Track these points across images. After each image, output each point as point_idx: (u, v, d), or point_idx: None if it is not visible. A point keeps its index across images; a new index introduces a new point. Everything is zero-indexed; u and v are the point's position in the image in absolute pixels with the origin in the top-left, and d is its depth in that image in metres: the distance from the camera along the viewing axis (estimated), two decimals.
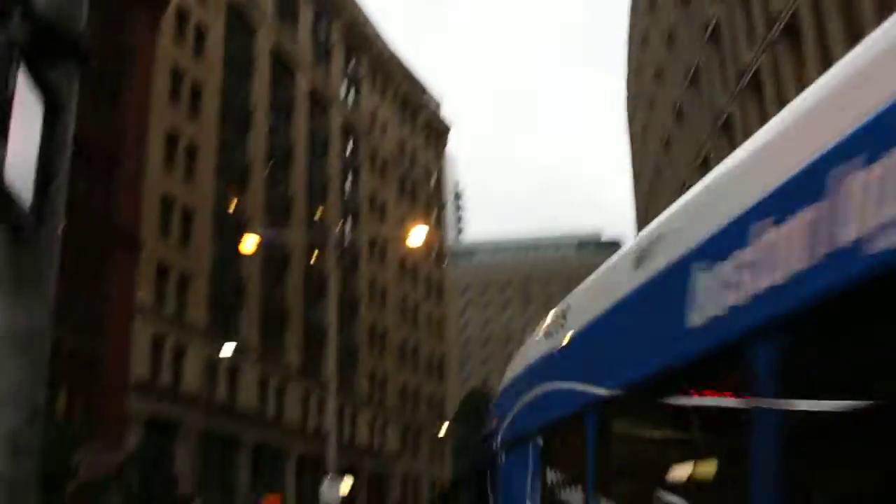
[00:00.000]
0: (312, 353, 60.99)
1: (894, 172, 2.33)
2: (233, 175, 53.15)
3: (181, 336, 45.23)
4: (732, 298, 3.15)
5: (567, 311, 6.53)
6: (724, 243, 3.32)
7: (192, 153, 48.78)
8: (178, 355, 45.13)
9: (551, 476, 6.66)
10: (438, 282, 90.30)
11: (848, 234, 2.50)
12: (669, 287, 3.86)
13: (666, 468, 4.34)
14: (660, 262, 4.07)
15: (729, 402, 3.43)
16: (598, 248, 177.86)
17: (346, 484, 39.67)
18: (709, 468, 3.85)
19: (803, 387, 2.81)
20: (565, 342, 6.16)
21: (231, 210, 52.31)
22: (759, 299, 2.97)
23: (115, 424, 38.46)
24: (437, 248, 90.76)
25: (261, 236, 43.33)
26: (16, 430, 2.81)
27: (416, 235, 32.47)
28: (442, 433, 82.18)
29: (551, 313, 6.87)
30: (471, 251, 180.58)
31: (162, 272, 44.59)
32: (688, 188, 3.90)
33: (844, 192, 2.52)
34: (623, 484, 5.03)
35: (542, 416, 6.62)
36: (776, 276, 2.86)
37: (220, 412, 47.26)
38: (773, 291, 2.87)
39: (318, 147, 66.13)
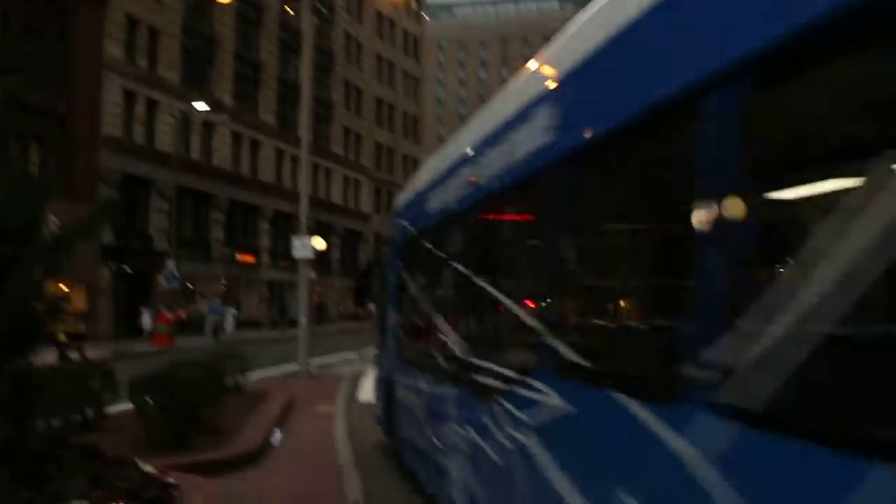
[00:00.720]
0: (287, 110, 60.15)
1: None
2: None
3: (153, 93, 44.02)
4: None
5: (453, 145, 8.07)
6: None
7: None
8: (151, 112, 44.13)
9: (403, 275, 10.35)
10: (416, 37, 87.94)
11: None
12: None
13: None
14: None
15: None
16: (582, 3, 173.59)
17: (319, 241, 39.95)
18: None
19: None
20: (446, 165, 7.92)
21: None
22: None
23: (87, 180, 38.07)
24: (414, 1, 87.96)
25: None
26: None
27: None
28: None
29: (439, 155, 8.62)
30: (449, 4, 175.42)
31: (131, 26, 42.77)
32: None
33: None
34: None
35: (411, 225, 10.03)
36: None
37: (194, 170, 46.87)
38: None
39: None
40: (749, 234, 2.95)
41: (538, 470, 4.68)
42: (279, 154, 58.41)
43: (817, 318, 2.54)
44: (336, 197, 67.73)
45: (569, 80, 4.70)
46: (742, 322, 2.82)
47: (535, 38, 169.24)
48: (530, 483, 4.87)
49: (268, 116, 57.00)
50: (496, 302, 6.12)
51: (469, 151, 7.04)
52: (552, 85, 5.02)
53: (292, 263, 26.77)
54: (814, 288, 2.57)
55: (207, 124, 48.24)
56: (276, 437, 13.06)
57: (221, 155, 50.73)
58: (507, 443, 5.32)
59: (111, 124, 40.31)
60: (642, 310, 4.22)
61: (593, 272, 4.74)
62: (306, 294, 24.32)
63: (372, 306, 17.49)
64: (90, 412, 12.04)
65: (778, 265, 2.99)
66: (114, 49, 40.66)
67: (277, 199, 56.90)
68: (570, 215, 4.59)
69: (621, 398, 3.61)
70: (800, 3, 2.61)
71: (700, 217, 3.10)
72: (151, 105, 43.99)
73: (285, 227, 57.79)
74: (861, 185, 2.52)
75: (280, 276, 57.95)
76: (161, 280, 40.44)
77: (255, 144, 55.15)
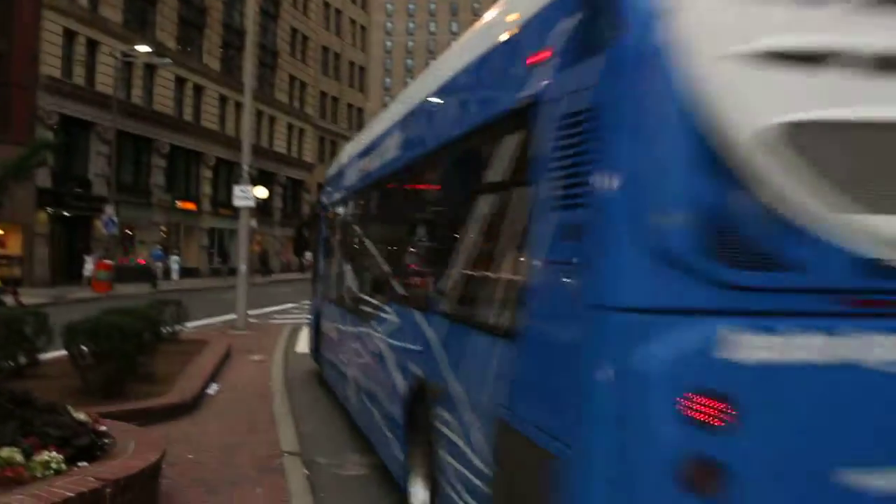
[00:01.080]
0: (231, 56, 59.25)
1: None
2: None
3: (94, 34, 42.98)
4: None
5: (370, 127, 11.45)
6: None
7: None
8: (91, 53, 43.13)
9: (327, 231, 13.86)
10: None
11: None
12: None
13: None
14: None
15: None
16: None
17: (261, 190, 39.64)
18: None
19: None
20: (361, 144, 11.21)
21: None
22: None
23: (25, 121, 37.27)
24: None
25: None
26: None
27: None
28: None
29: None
30: None
31: None
32: None
33: None
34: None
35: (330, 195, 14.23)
36: None
37: (135, 114, 46.05)
38: None
39: None
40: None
41: (383, 357, 8.03)
42: (223, 100, 57.61)
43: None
44: (280, 146, 67.09)
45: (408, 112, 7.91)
46: (436, 273, 6.28)
47: None
48: (379, 367, 8.22)
49: (212, 62, 56.08)
50: (374, 256, 9.39)
51: (360, 149, 11.06)
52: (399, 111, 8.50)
53: (234, 211, 26.61)
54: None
55: (150, 67, 47.33)
56: (213, 386, 13.11)
57: (164, 100, 49.87)
58: (372, 347, 8.69)
59: (50, 64, 39.34)
60: (429, 267, 6.79)
61: (409, 246, 7.85)
62: (246, 243, 24.20)
63: (309, 256, 20.22)
64: (23, 358, 11.97)
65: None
66: None
67: (220, 147, 56.23)
68: (405, 207, 8.10)
69: (414, 312, 6.78)
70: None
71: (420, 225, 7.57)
72: (92, 46, 43.00)
73: (228, 174, 57.25)
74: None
75: (221, 225, 57.51)
76: (100, 226, 39.89)
77: (198, 90, 54.29)
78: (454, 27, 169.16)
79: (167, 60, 44.68)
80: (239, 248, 24.99)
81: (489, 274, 4.95)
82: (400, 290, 7.67)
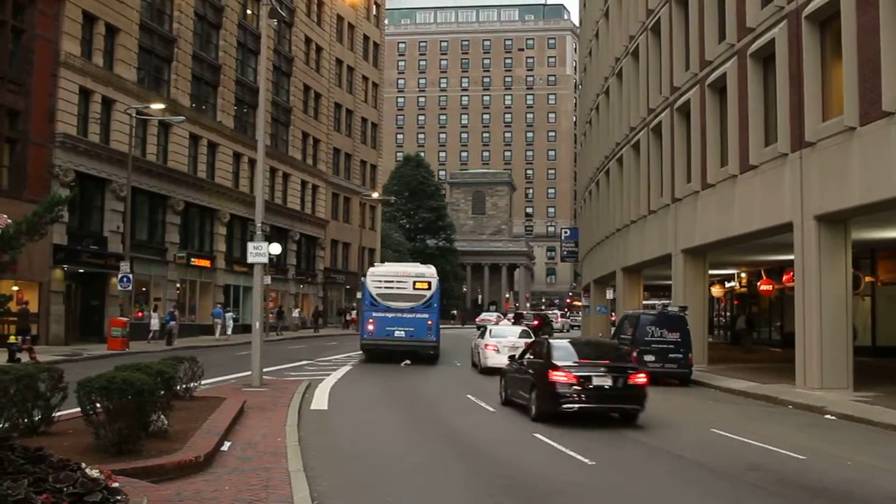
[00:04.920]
0: (244, 113, 59.88)
1: None
2: None
3: (109, 92, 43.52)
4: None
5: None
6: None
7: None
8: (107, 111, 43.62)
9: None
10: (375, 42, 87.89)
11: None
12: None
13: None
14: None
15: None
16: (542, 13, 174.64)
17: (275, 247, 39.85)
18: None
19: None
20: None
21: None
22: None
23: (40, 178, 37.62)
24: (374, 5, 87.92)
25: None
26: None
27: None
28: (374, 197, 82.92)
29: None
30: (410, 12, 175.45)
31: (89, 22, 42.28)
32: None
33: None
34: None
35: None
36: None
37: (150, 171, 46.45)
38: None
39: None
40: None
41: None
42: (237, 157, 58.06)
43: None
44: (293, 202, 67.43)
45: None
46: None
47: (496, 47, 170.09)
48: None
49: (226, 119, 56.64)
50: None
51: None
52: None
53: (248, 268, 26.67)
54: None
55: (164, 125, 47.84)
56: (226, 444, 13.03)
57: (178, 157, 50.30)
58: None
59: (66, 122, 39.80)
60: None
61: None
62: (260, 300, 24.24)
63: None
64: (37, 415, 11.94)
65: None
66: (70, 46, 40.20)
67: (234, 203, 56.57)
68: None
69: None
70: None
71: None
72: (108, 104, 43.51)
73: (242, 231, 57.52)
74: None
75: (236, 281, 57.67)
76: (115, 282, 40.05)
77: (212, 147, 54.77)
78: (465, 83, 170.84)
79: (181, 118, 45.16)
80: (253, 304, 25.01)
81: None
82: None
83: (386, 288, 33.96)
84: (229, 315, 51.08)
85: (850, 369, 24.09)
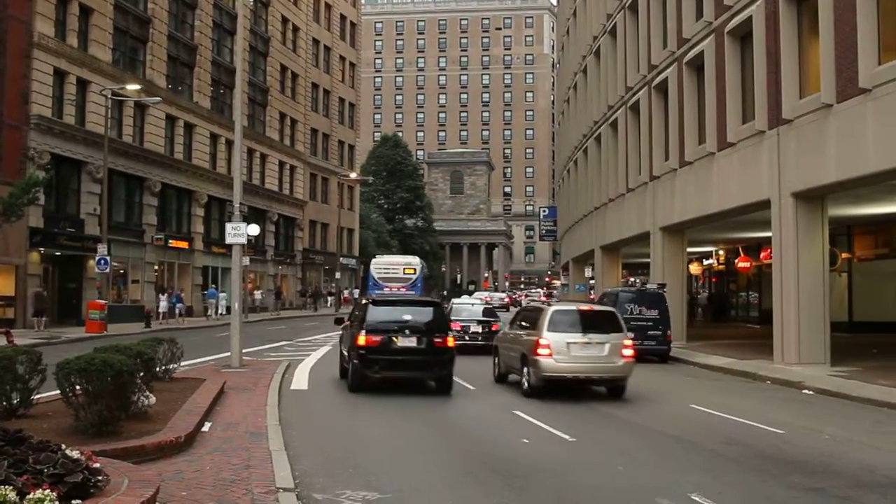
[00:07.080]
0: (221, 94, 59.48)
1: None
2: None
3: (84, 73, 43.06)
4: None
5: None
6: None
7: None
8: (82, 93, 43.17)
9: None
10: (352, 22, 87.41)
11: None
12: None
13: None
14: None
15: None
16: None
17: (253, 228, 39.72)
18: None
19: None
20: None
21: None
22: None
23: (15, 161, 37.26)
24: None
25: None
26: None
27: None
28: (352, 177, 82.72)
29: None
30: None
31: (62, 3, 41.76)
32: None
33: None
34: None
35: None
36: None
37: (127, 153, 46.08)
38: None
39: None
40: None
41: None
42: (214, 138, 57.69)
43: None
44: (271, 183, 67.13)
45: None
46: None
47: (474, 26, 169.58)
48: None
49: (202, 100, 56.23)
50: None
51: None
52: None
53: (227, 249, 26.55)
54: None
55: (140, 106, 47.43)
56: (207, 425, 13.01)
57: (155, 138, 49.91)
58: None
59: (41, 104, 39.39)
60: None
61: None
62: (239, 281, 24.14)
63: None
64: (16, 398, 11.88)
65: None
66: (44, 26, 39.72)
67: (211, 184, 56.25)
68: None
69: None
70: None
71: None
72: (83, 85, 43.07)
73: (219, 212, 57.28)
74: None
75: (214, 262, 57.46)
76: (92, 265, 39.79)
77: (189, 128, 54.39)
78: (442, 63, 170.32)
79: (157, 99, 44.73)
80: (232, 285, 24.91)
81: None
82: None
83: (384, 272, 48.71)
84: (223, 295, 52.09)
85: (827, 345, 24.33)
